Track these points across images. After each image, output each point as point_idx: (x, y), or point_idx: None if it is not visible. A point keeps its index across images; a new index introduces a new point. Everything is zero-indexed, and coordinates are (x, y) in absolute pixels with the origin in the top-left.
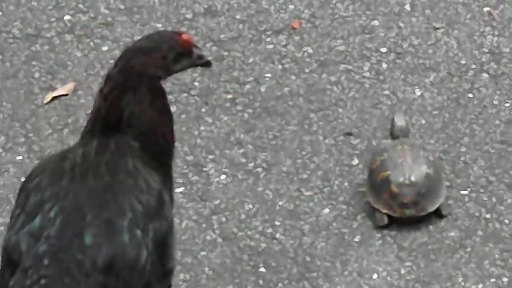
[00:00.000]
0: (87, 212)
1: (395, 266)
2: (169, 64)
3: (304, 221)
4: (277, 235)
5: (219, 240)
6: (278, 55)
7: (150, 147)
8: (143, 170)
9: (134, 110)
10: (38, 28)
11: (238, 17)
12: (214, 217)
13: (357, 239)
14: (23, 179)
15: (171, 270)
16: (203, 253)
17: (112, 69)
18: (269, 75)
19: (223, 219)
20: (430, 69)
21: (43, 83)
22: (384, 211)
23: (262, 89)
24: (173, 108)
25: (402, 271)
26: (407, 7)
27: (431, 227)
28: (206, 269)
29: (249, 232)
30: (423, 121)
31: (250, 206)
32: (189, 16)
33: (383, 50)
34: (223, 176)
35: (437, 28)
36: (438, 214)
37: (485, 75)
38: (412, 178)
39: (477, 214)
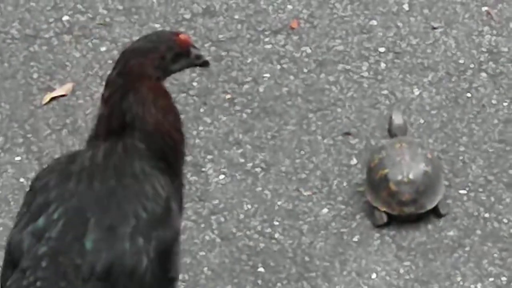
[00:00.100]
0: (90, 216)
1: (394, 265)
2: (167, 64)
3: (303, 221)
4: (276, 235)
5: (218, 240)
6: (276, 55)
7: (157, 147)
8: (150, 173)
9: (136, 112)
10: (37, 28)
11: (236, 17)
12: (213, 217)
13: (356, 238)
14: (21, 179)
15: (175, 278)
16: (202, 253)
17: (111, 72)
18: (267, 75)
19: (222, 219)
20: (429, 69)
21: (42, 83)
22: (383, 209)
23: (261, 89)
24: None
25: (401, 271)
26: (405, 6)
27: (429, 226)
28: (205, 269)
29: (248, 232)
30: (422, 121)
31: (249, 206)
32: (187, 16)
33: (382, 49)
34: (221, 176)
35: (435, 28)
36: (436, 213)
37: (483, 74)
38: (411, 176)
39: (475, 213)
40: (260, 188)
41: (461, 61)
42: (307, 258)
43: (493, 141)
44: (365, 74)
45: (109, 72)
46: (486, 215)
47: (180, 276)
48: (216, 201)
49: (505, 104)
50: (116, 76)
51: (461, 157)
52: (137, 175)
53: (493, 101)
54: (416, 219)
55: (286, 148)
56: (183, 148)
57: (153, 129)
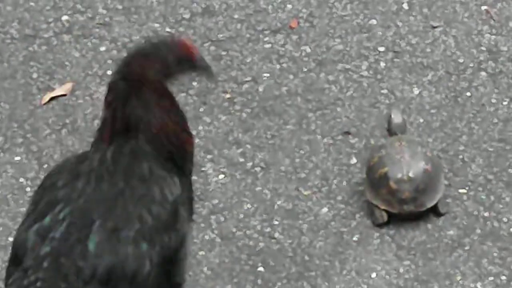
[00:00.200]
0: (95, 219)
1: (394, 265)
2: (169, 67)
3: (303, 220)
4: (276, 235)
5: (218, 239)
6: (276, 55)
7: (163, 149)
8: (159, 175)
9: (140, 115)
10: (36, 28)
11: (236, 16)
12: (213, 217)
13: (355, 238)
14: (21, 179)
15: (180, 283)
16: (201, 252)
17: (113, 76)
18: (267, 74)
19: (222, 219)
20: (428, 68)
21: (41, 83)
22: (383, 207)
23: (260, 89)
24: None
25: (401, 270)
26: (405, 6)
27: (429, 225)
28: (205, 268)
29: (247, 232)
30: (421, 120)
31: (249, 206)
32: (187, 16)
33: (381, 49)
34: (221, 176)
35: (435, 27)
36: (436, 212)
37: (483, 73)
38: (410, 174)
39: (475, 212)
40: (259, 188)
41: (460, 60)
42: (306, 258)
43: (493, 140)
44: (365, 73)
45: (109, 71)
46: (486, 214)
47: None
48: (216, 201)
49: (504, 103)
50: (118, 80)
51: (460, 156)
52: (145, 177)
53: (493, 100)
54: (416, 218)
55: (285, 147)
56: (191, 148)
57: (158, 131)
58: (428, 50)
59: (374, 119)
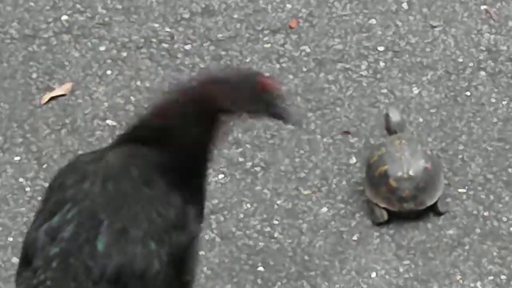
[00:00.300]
0: (103, 219)
1: (394, 264)
2: (243, 102)
3: (302, 220)
4: (276, 234)
5: (218, 239)
6: (275, 54)
7: (183, 165)
8: (166, 185)
9: (189, 135)
10: (36, 28)
11: (235, 16)
12: (213, 217)
13: (355, 237)
14: (21, 179)
15: (189, 283)
16: (201, 252)
17: (185, 88)
18: (266, 74)
19: (221, 218)
20: (428, 68)
21: (41, 83)
22: (383, 205)
23: None
24: None
25: (401, 269)
26: (405, 5)
27: (429, 225)
28: (205, 268)
29: (247, 231)
30: (421, 119)
31: (248, 205)
32: (186, 15)
33: (381, 48)
34: (221, 176)
35: (435, 27)
36: (436, 211)
37: (482, 73)
38: (410, 172)
39: (475, 212)
40: (259, 187)
41: (460, 60)
42: (306, 257)
43: (492, 139)
44: (364, 73)
45: (108, 71)
46: (486, 213)
47: None
48: (216, 201)
49: (504, 102)
50: (184, 94)
51: (460, 156)
52: (153, 183)
53: (492, 100)
54: (416, 216)
55: (285, 147)
56: (207, 168)
57: (190, 151)
58: (428, 49)
59: (374, 118)
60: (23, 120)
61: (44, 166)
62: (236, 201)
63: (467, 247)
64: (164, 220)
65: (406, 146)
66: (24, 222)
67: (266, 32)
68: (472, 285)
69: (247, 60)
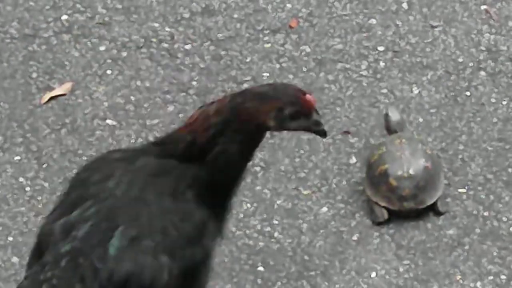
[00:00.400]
0: (120, 223)
1: (394, 264)
2: (283, 118)
3: (302, 219)
4: (275, 234)
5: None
6: (275, 54)
7: (217, 181)
8: (194, 198)
9: (227, 149)
10: (36, 28)
11: (235, 16)
12: None
13: (355, 237)
14: (21, 179)
15: None
16: None
17: (224, 102)
18: (267, 74)
19: None
20: (428, 68)
21: (41, 83)
22: (383, 204)
23: None
24: (171, 108)
25: (401, 269)
26: (405, 5)
27: (429, 225)
28: None
29: (247, 231)
30: (421, 119)
31: (248, 205)
32: (186, 15)
33: (381, 48)
34: None
35: (435, 27)
36: (435, 211)
37: (482, 73)
38: (411, 171)
39: (475, 212)
40: (259, 187)
41: (460, 60)
42: (306, 257)
43: (492, 139)
44: (364, 73)
45: (108, 71)
46: (485, 213)
47: None
48: None
49: (504, 102)
50: (228, 109)
51: (460, 156)
52: (182, 193)
53: (492, 100)
54: (416, 216)
55: (285, 147)
56: (237, 187)
57: (226, 169)
58: (428, 49)
59: (374, 118)
60: (23, 120)
61: (44, 166)
62: (236, 201)
63: (467, 247)
64: (179, 233)
65: (406, 145)
66: (24, 222)
67: (266, 32)
68: (472, 285)
69: (247, 60)
